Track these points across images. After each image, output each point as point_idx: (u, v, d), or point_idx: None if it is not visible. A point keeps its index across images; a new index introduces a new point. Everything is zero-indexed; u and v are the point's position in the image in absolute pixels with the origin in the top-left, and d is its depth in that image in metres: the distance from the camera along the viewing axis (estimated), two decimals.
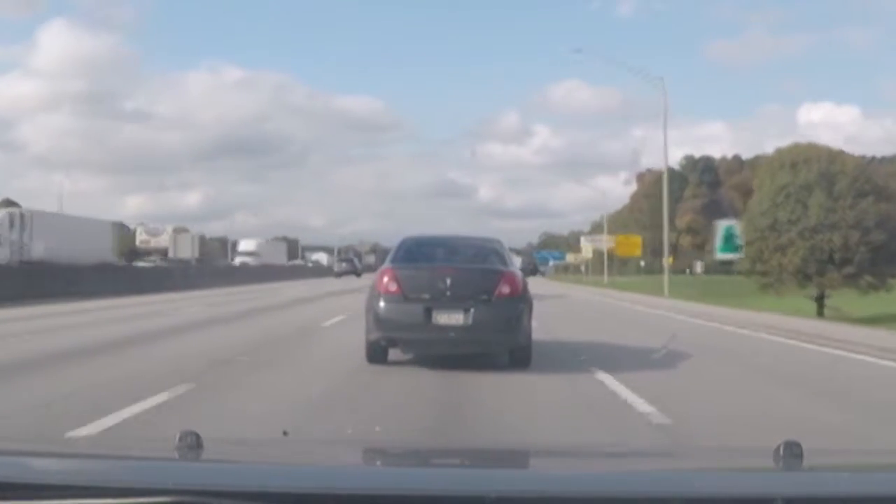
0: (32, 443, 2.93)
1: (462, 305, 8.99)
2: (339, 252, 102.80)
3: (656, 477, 1.90)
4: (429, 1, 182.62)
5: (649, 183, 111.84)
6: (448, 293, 9.06)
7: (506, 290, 9.19)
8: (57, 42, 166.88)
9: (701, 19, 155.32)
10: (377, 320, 9.20)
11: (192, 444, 1.81)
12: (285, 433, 3.67)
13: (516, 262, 11.37)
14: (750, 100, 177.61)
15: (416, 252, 10.06)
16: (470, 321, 8.94)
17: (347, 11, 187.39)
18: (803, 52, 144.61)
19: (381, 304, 9.17)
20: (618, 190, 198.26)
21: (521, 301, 9.30)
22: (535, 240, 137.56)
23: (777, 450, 1.79)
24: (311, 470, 1.89)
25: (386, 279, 9.29)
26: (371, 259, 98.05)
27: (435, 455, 2.59)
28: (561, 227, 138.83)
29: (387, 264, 9.80)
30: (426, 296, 9.09)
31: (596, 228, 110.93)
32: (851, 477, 1.83)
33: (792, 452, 1.78)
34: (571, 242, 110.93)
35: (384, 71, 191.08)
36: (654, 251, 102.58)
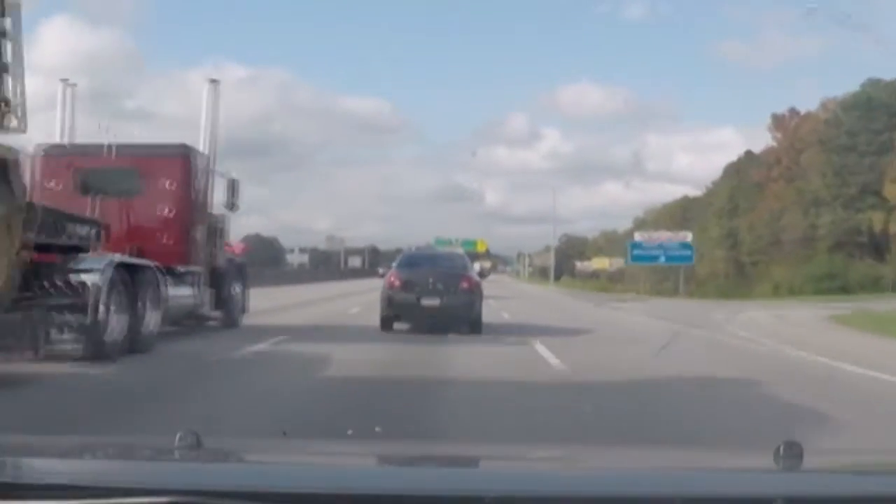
0: (32, 443, 2.93)
1: (439, 294, 14.19)
2: (308, 251, 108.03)
3: (656, 477, 1.90)
4: (436, 1, 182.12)
5: (806, 131, 57.58)
6: (430, 287, 14.26)
7: (465, 285, 14.46)
8: (57, 38, 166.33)
9: (710, 21, 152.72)
10: (388, 303, 14.48)
11: (192, 444, 1.81)
12: (285, 433, 3.68)
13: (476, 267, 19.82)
14: (762, 103, 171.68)
15: (411, 261, 16.00)
16: (444, 304, 14.17)
17: (353, 10, 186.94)
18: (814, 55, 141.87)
19: (390, 293, 14.45)
20: (628, 196, 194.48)
21: (474, 292, 14.57)
22: (553, 243, 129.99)
23: (777, 450, 1.79)
24: (311, 470, 1.89)
25: (393, 278, 14.82)
26: (357, 262, 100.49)
27: (434, 455, 2.58)
28: (572, 232, 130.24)
29: (393, 269, 15.55)
30: (417, 288, 14.28)
31: (640, 224, 76.71)
32: (851, 477, 1.83)
33: (792, 452, 1.77)
34: (602, 244, 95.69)
35: (391, 71, 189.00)
36: (837, 245, 52.52)
